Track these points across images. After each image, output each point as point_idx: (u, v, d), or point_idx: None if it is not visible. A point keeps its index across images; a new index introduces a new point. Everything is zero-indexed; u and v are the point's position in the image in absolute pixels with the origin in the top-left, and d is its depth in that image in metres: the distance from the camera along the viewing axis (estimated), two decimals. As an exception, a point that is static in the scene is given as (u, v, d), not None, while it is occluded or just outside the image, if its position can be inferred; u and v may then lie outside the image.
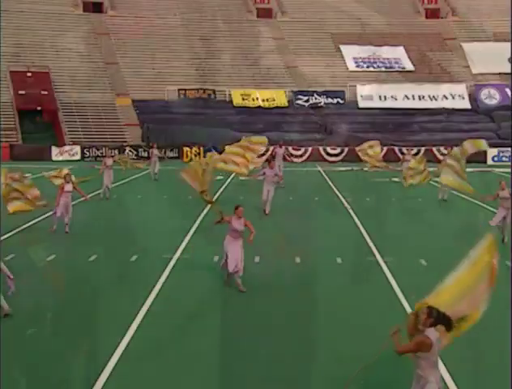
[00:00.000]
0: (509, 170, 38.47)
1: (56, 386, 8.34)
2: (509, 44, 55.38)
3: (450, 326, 6.47)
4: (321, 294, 12.39)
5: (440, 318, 6.43)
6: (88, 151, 44.98)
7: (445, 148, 44.24)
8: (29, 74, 50.05)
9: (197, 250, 15.87)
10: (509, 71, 54.32)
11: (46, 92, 49.09)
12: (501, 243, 16.43)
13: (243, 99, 51.89)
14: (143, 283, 12.88)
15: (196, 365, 9.01)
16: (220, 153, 44.85)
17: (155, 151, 33.64)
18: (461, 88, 53.17)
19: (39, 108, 48.30)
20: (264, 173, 22.18)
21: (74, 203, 22.57)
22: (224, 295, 12.31)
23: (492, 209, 22.60)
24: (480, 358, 9.38)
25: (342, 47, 57.63)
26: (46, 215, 20.39)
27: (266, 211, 21.44)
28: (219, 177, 33.31)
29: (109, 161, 26.08)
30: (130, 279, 13.44)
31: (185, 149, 45.35)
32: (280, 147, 32.10)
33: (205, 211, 21.33)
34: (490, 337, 10.14)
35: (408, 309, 11.37)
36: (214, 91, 52.51)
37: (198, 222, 19.67)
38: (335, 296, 12.35)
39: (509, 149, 44.89)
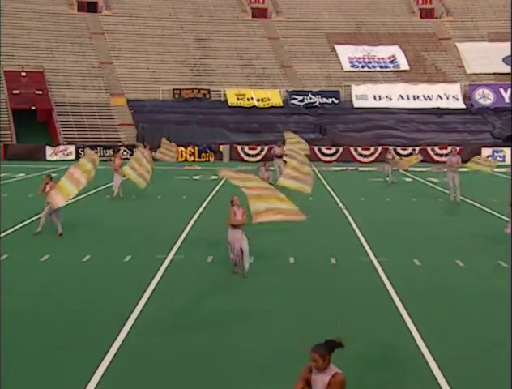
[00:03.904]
0: (502, 170, 38.60)
1: (48, 386, 8.33)
2: (503, 44, 55.59)
3: (341, 345, 5.79)
4: (314, 294, 12.40)
5: (332, 348, 5.76)
6: (83, 151, 44.85)
7: (440, 148, 44.42)
8: (23, 74, 49.98)
9: (191, 250, 15.86)
10: (503, 71, 54.51)
11: (41, 92, 48.98)
12: None
13: (238, 99, 51.90)
14: (137, 283, 12.86)
15: (191, 365, 8.99)
16: (215, 153, 45.30)
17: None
18: (455, 88, 53.30)
19: (33, 107, 48.20)
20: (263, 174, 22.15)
21: (75, 199, 22.57)
22: (218, 295, 12.31)
23: (486, 209, 22.66)
24: (484, 362, 9.40)
25: (337, 47, 57.70)
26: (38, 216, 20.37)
27: None
28: (213, 177, 33.33)
29: (118, 161, 25.93)
30: (123, 279, 13.42)
31: (180, 149, 45.33)
32: (279, 146, 31.98)
33: (199, 212, 21.34)
34: (491, 336, 10.18)
35: (402, 310, 11.38)
36: (209, 91, 52.51)
37: (192, 222, 19.67)
38: (329, 296, 12.35)
39: (503, 149, 45.00)
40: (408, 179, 33.79)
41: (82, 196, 25.15)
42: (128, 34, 56.57)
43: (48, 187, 17.63)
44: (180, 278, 13.43)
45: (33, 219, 19.68)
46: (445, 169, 26.92)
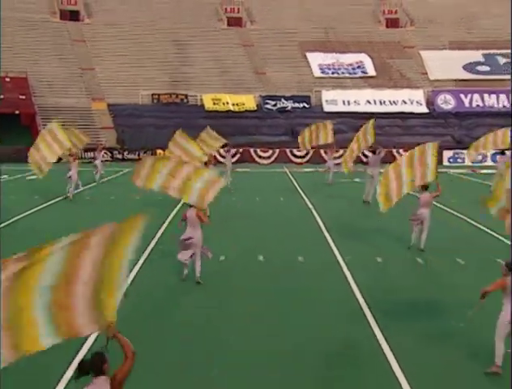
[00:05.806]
0: (463, 171, 39.00)
1: (31, 376, 8.15)
2: (462, 52, 56.22)
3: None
4: (282, 292, 12.31)
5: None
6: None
7: (405, 151, 44.64)
8: (7, 79, 49.31)
9: (165, 250, 15.65)
10: (463, 78, 55.12)
11: (24, 97, 48.37)
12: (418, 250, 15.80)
13: (214, 103, 51.64)
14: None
15: (166, 359, 8.84)
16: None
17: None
18: (419, 94, 53.60)
19: (17, 112, 47.57)
20: None
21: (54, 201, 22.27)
22: (191, 294, 12.17)
23: (446, 209, 22.76)
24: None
25: (308, 54, 57.74)
26: (21, 216, 20.08)
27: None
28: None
29: (99, 155, 26.09)
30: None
31: (159, 152, 45.01)
32: (228, 151, 32.54)
33: (174, 212, 21.15)
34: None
35: (364, 305, 11.33)
36: (186, 96, 52.19)
37: (167, 222, 19.47)
38: (296, 293, 12.27)
39: (464, 151, 45.33)
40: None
41: (56, 200, 24.83)
42: (109, 41, 56.04)
43: None
44: (158, 270, 13.25)
45: (14, 219, 19.36)
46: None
